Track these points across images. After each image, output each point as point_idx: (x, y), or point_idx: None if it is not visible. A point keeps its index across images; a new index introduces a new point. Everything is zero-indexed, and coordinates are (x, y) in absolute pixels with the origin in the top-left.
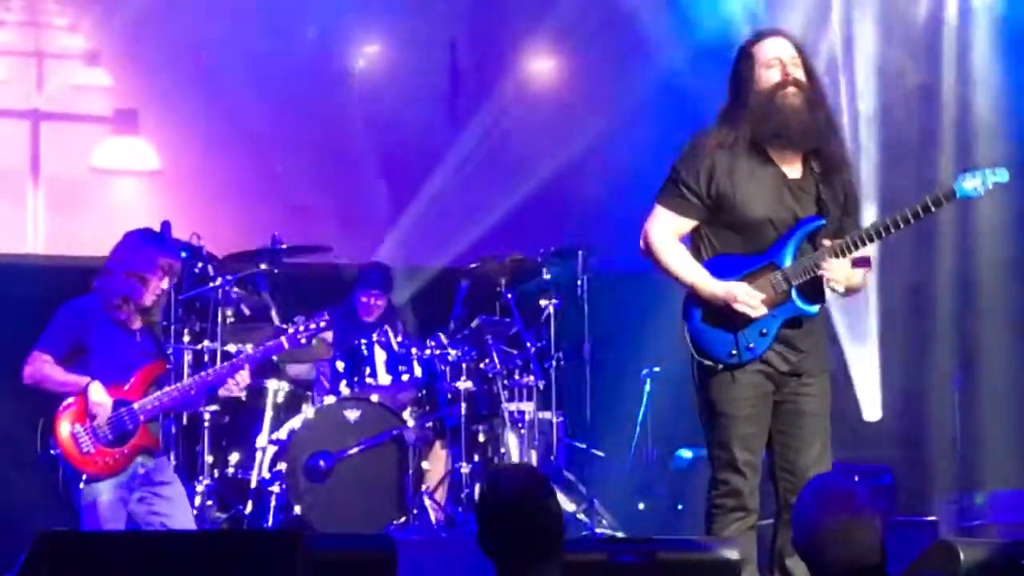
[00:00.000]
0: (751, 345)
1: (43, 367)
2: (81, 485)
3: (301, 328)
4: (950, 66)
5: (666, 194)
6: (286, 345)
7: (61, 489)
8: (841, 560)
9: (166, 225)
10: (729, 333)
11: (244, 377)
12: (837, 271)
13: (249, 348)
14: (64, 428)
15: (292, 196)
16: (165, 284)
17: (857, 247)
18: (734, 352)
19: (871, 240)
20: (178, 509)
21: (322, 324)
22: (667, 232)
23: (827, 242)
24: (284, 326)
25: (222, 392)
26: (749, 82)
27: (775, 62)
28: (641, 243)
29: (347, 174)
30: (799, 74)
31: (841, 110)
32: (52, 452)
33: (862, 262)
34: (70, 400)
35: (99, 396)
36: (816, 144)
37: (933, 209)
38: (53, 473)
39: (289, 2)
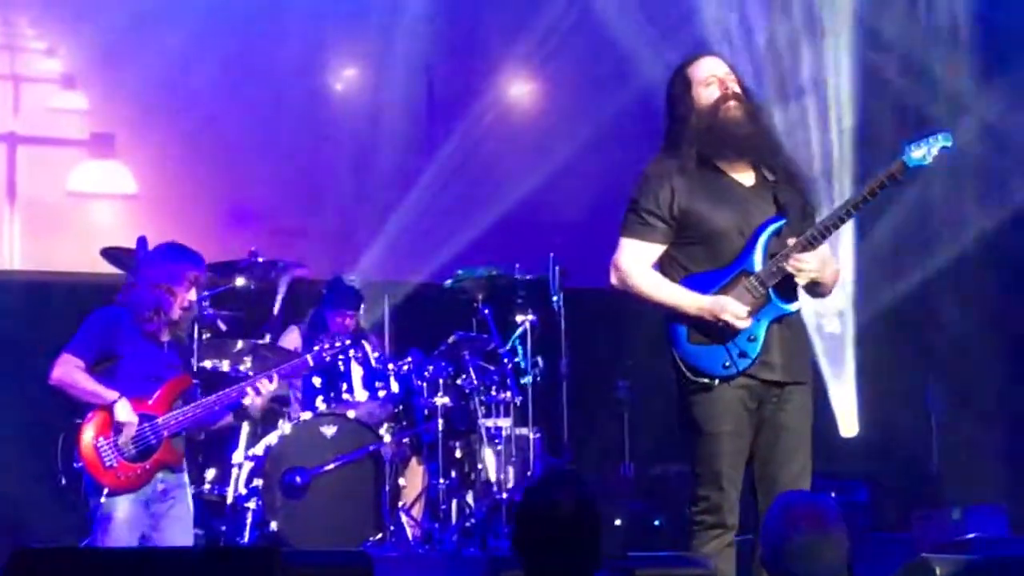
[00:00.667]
0: (743, 352)
1: (73, 372)
2: (102, 499)
3: (327, 346)
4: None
5: (629, 226)
6: (311, 363)
7: (87, 500)
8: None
9: (142, 240)
10: (719, 346)
11: (267, 387)
12: (806, 265)
13: (226, 364)
14: (87, 440)
15: (270, 217)
16: (192, 296)
17: (823, 237)
18: (727, 363)
19: (836, 227)
20: (179, 532)
21: (347, 342)
22: (637, 261)
23: (791, 240)
24: (259, 342)
25: (246, 402)
26: (689, 102)
27: (712, 79)
28: (612, 278)
29: (325, 194)
30: (736, 88)
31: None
32: (75, 465)
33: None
34: (94, 413)
35: (126, 415)
36: (763, 154)
37: (888, 184)
38: (70, 486)
39: (267, 26)
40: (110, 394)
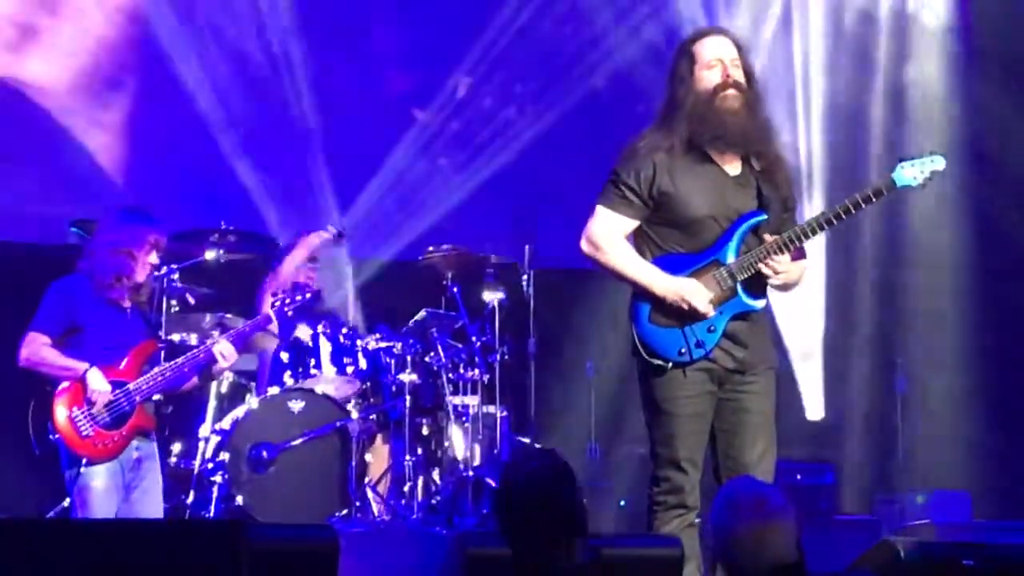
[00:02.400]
0: (700, 342)
1: (40, 349)
2: (81, 469)
3: (287, 300)
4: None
5: (607, 196)
6: (273, 318)
7: (65, 471)
8: (757, 564)
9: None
10: (678, 331)
11: (230, 351)
12: (780, 266)
13: (194, 338)
14: (61, 412)
15: (238, 195)
16: (154, 258)
17: (800, 241)
18: (683, 350)
19: (814, 233)
20: (150, 503)
21: (308, 296)
22: (610, 232)
23: (768, 237)
24: (227, 315)
25: (215, 369)
26: (688, 82)
27: (716, 63)
28: (583, 244)
29: (294, 172)
30: (739, 76)
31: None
32: (51, 437)
33: (799, 254)
34: (66, 384)
35: (98, 383)
36: (754, 147)
37: (874, 200)
38: (45, 456)
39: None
40: (81, 365)
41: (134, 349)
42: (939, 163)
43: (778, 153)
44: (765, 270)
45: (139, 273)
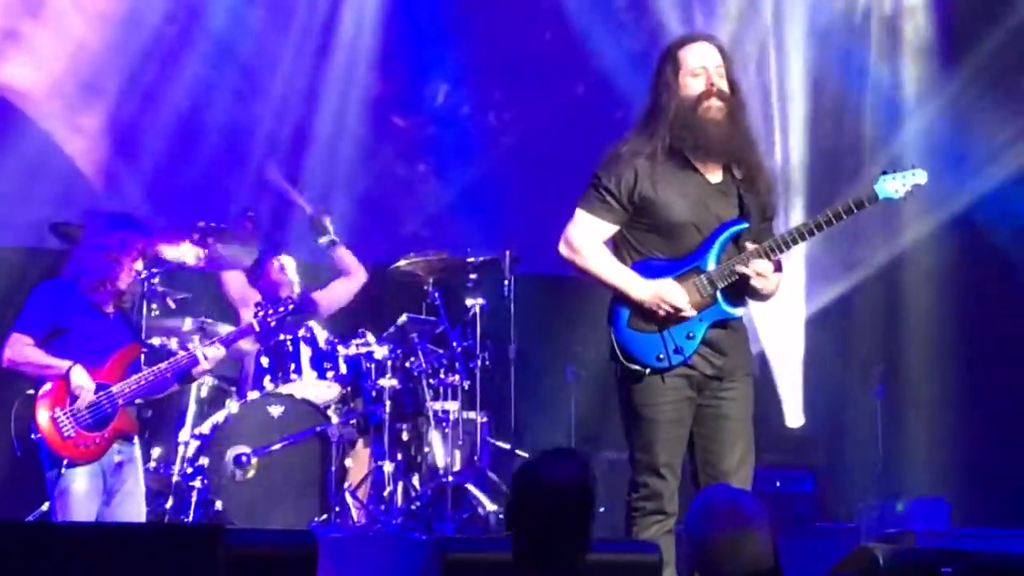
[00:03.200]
0: (678, 348)
1: (23, 349)
2: (62, 471)
3: (271, 311)
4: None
5: (588, 200)
6: (256, 327)
7: (47, 471)
8: (732, 571)
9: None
10: (656, 337)
11: (214, 354)
12: (764, 270)
13: (174, 342)
14: (44, 413)
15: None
16: (139, 265)
17: (783, 250)
18: (661, 356)
19: (795, 243)
20: (132, 507)
21: (290, 307)
22: (589, 236)
23: (750, 245)
24: (207, 319)
25: (196, 372)
26: (672, 88)
27: (700, 71)
28: (562, 248)
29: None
30: (723, 84)
31: (772, 115)
32: (32, 437)
33: (777, 266)
34: (49, 385)
35: (81, 379)
36: (736, 157)
37: (855, 211)
38: (26, 456)
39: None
40: (64, 363)
41: (117, 352)
42: (921, 177)
43: (759, 161)
44: (747, 271)
45: (123, 279)
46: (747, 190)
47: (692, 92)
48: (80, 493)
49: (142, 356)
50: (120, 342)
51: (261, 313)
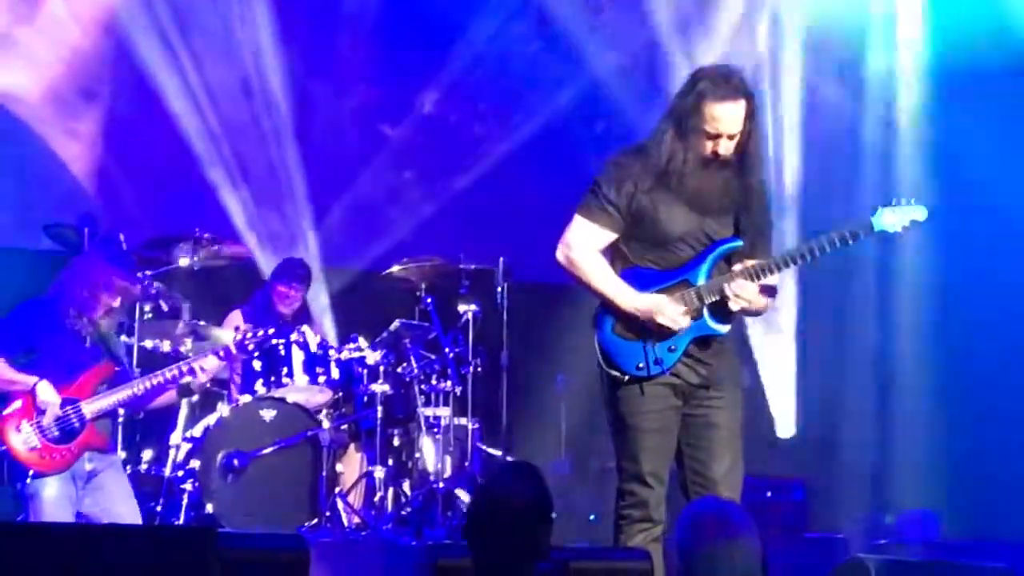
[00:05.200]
0: (659, 359)
1: None
2: (28, 480)
3: (249, 335)
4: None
5: (587, 206)
6: (234, 350)
7: (6, 482)
8: None
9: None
10: (639, 346)
11: (210, 366)
12: (744, 294)
13: (167, 345)
14: (9, 425)
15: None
16: (116, 303)
17: (770, 273)
18: (641, 365)
19: (783, 268)
20: (119, 502)
21: (270, 332)
22: (586, 243)
23: (738, 267)
24: (200, 323)
25: (195, 385)
26: (685, 131)
27: (719, 135)
28: (559, 253)
29: (268, 180)
30: (731, 148)
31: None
32: None
33: (769, 291)
34: (18, 402)
35: (47, 395)
36: (726, 212)
37: (850, 243)
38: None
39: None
40: (30, 379)
41: (88, 371)
42: (920, 213)
43: (757, 182)
44: (728, 293)
45: (98, 312)
46: (743, 209)
47: (701, 151)
48: (50, 499)
49: (118, 374)
50: (92, 361)
51: (240, 336)
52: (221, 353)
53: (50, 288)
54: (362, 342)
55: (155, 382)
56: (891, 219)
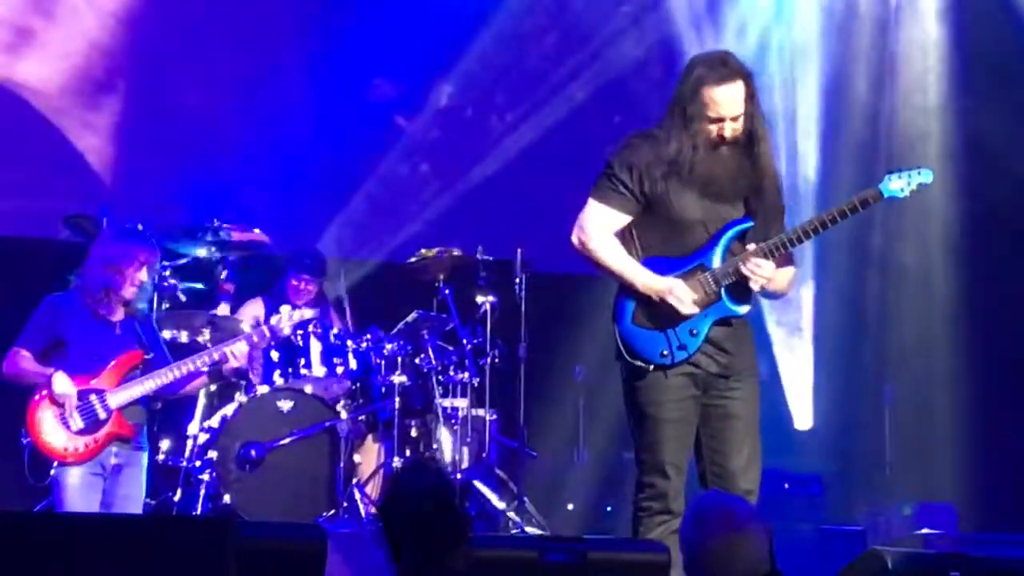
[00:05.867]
0: (682, 344)
1: (19, 361)
2: (52, 471)
3: (285, 318)
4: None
5: (600, 189)
6: (267, 333)
7: (28, 475)
8: None
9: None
10: (660, 333)
11: (241, 351)
12: (762, 271)
13: (184, 336)
14: (35, 417)
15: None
16: (143, 275)
17: (785, 248)
18: (665, 352)
19: (800, 241)
20: (128, 507)
21: (307, 315)
22: (601, 226)
23: (752, 245)
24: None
25: (226, 370)
26: (689, 118)
27: (721, 119)
28: (574, 236)
29: (287, 171)
30: (737, 129)
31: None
32: (23, 441)
33: (786, 261)
34: (43, 391)
35: (62, 387)
36: (737, 194)
37: (860, 209)
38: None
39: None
40: (48, 370)
41: (116, 360)
42: (926, 176)
43: (768, 161)
44: (745, 272)
45: (127, 288)
46: (755, 190)
47: (707, 135)
48: (74, 488)
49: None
50: (120, 350)
51: (275, 320)
52: (255, 338)
53: (76, 280)
54: (380, 333)
55: (185, 370)
56: (899, 184)
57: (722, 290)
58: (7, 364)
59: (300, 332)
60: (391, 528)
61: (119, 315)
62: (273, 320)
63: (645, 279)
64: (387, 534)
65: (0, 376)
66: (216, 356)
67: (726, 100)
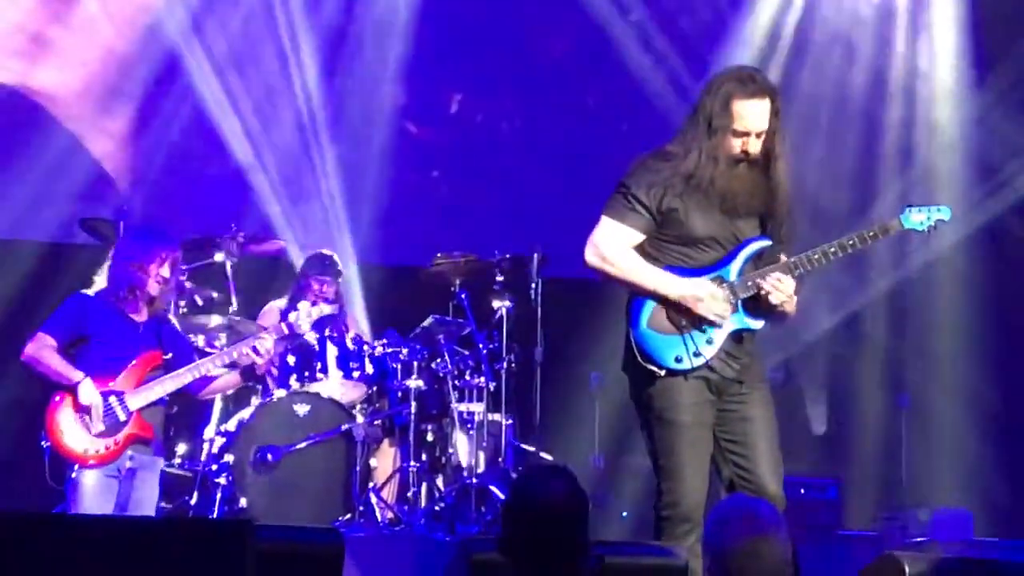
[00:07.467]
0: (698, 351)
1: (43, 349)
2: (73, 474)
3: (304, 315)
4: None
5: (615, 207)
6: (285, 330)
7: (48, 478)
8: None
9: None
10: (677, 339)
11: (266, 348)
12: (782, 286)
13: (201, 340)
14: (55, 419)
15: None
16: (166, 272)
17: (807, 268)
18: (680, 357)
19: (820, 263)
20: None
21: (326, 310)
22: (618, 243)
23: (783, 257)
24: (235, 317)
25: (258, 368)
26: (713, 131)
27: (747, 135)
28: (588, 255)
29: (306, 178)
30: (759, 146)
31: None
32: (42, 443)
33: (798, 283)
34: (64, 393)
35: (89, 396)
36: (754, 212)
37: (880, 238)
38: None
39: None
40: (75, 375)
41: (136, 360)
42: (945, 214)
43: (783, 181)
44: (767, 287)
45: (151, 286)
46: (770, 212)
47: (730, 150)
48: (91, 491)
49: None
50: (141, 351)
51: (293, 316)
52: (274, 335)
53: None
54: (396, 337)
55: (204, 370)
56: (919, 217)
57: (739, 303)
58: (32, 347)
59: (316, 336)
60: (512, 543)
61: (143, 315)
62: (291, 317)
63: (674, 284)
64: (507, 537)
65: (21, 356)
66: (235, 356)
67: (755, 115)
